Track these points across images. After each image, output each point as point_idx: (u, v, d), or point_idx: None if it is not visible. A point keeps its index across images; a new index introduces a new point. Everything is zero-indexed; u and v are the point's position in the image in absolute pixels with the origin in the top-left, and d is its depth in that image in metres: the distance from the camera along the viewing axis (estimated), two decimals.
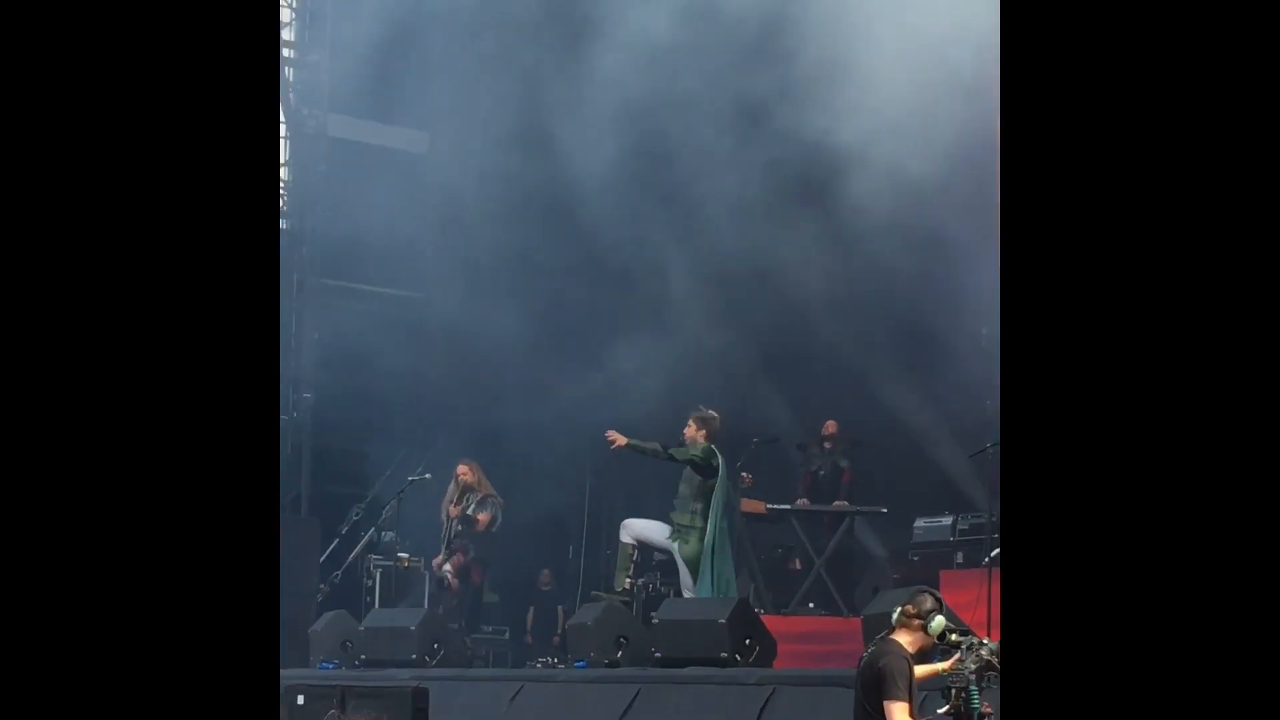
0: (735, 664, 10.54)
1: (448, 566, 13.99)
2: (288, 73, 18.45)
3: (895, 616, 7.51)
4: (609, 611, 11.90)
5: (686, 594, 12.16)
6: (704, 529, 12.10)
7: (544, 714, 11.12)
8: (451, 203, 16.74)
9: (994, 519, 11.50)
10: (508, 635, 15.49)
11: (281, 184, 18.35)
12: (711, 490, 12.14)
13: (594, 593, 13.45)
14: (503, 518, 14.05)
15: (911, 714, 7.19)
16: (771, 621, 11.59)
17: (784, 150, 13.30)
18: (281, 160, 18.46)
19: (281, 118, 18.33)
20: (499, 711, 11.31)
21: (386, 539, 15.21)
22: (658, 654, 11.11)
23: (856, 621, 10.82)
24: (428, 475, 14.74)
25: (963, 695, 7.14)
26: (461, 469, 14.06)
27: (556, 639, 14.94)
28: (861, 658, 7.62)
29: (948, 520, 13.17)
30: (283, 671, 11.91)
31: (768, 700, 9.63)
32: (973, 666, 7.12)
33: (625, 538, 12.75)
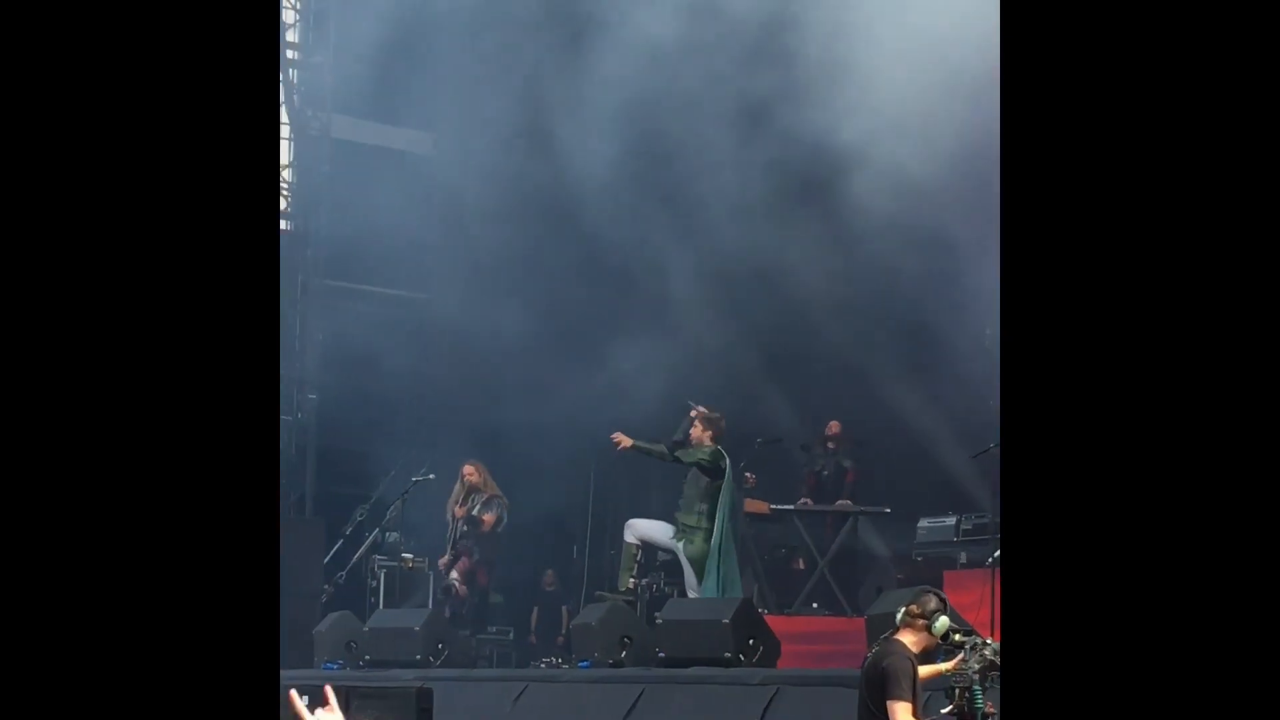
0: (739, 664, 10.54)
1: (454, 574, 13.99)
2: (292, 74, 18.46)
3: (899, 616, 7.51)
4: (613, 612, 11.91)
5: (691, 594, 12.17)
6: (709, 529, 12.10)
7: (548, 714, 11.12)
8: (455, 203, 16.75)
9: (997, 519, 11.50)
10: (512, 635, 15.49)
11: (285, 185, 18.38)
12: (718, 491, 12.15)
13: (598, 593, 13.46)
14: (508, 518, 14.06)
15: (915, 714, 7.20)
16: (775, 622, 11.60)
17: (787, 150, 13.31)
18: (285, 161, 18.48)
19: (285, 119, 18.35)
20: (503, 712, 11.32)
21: (391, 539, 15.22)
22: (662, 654, 11.12)
23: (860, 622, 10.83)
24: (432, 476, 14.75)
25: (966, 695, 7.15)
26: (467, 469, 14.07)
27: (560, 639, 14.94)
28: (865, 658, 7.63)
29: (951, 520, 13.16)
30: (287, 672, 11.94)
31: (771, 700, 9.63)
32: (976, 666, 7.13)
33: (629, 538, 12.75)
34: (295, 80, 18.49)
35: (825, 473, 14.30)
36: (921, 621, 7.40)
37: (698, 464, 12.16)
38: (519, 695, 11.43)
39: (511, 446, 15.20)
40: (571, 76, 14.78)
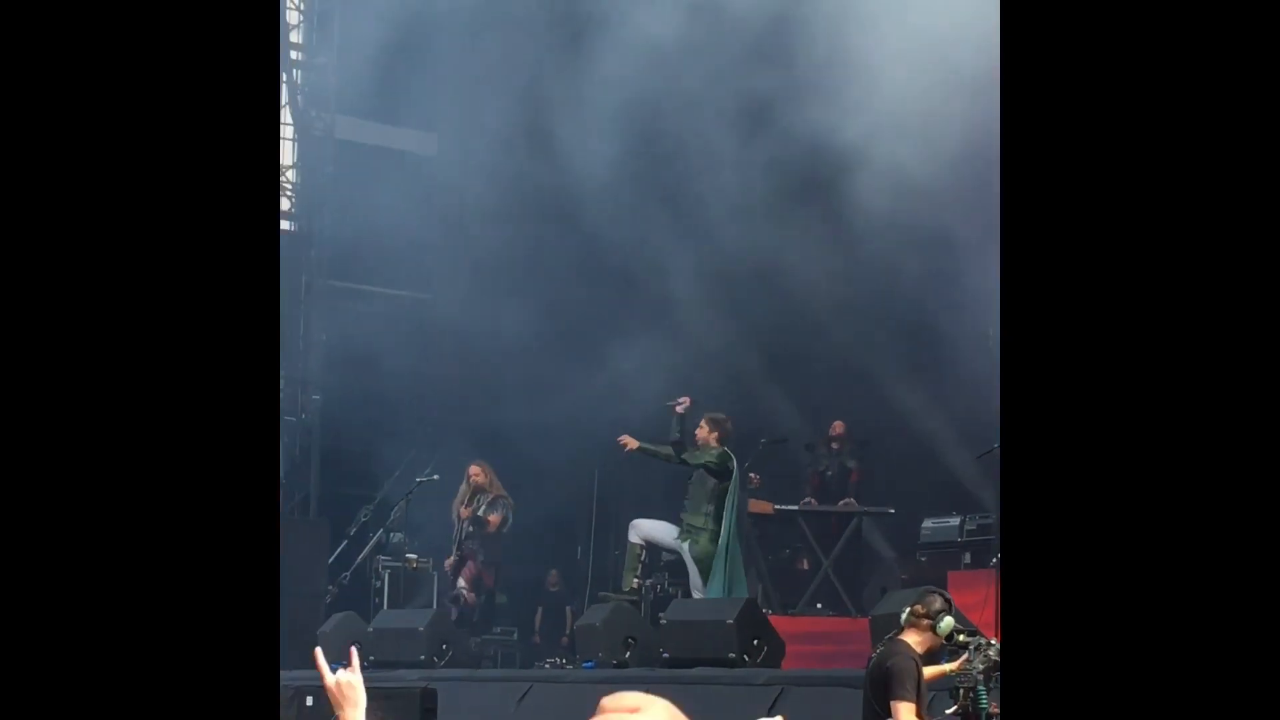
0: (743, 664, 10.54)
1: (462, 582, 13.97)
2: (296, 75, 18.48)
3: (904, 617, 7.51)
4: (617, 612, 11.91)
5: (695, 594, 12.17)
6: (715, 530, 12.10)
7: (552, 715, 11.13)
8: (458, 204, 16.76)
9: None
10: (516, 636, 15.50)
11: (289, 186, 18.40)
12: (725, 492, 12.15)
13: (602, 593, 13.47)
14: (513, 519, 14.05)
15: (920, 715, 7.20)
16: (779, 622, 11.60)
17: (788, 150, 13.31)
18: (289, 162, 18.50)
19: (289, 120, 18.37)
20: (507, 712, 11.33)
21: (395, 540, 15.22)
22: (666, 654, 11.12)
23: (864, 622, 10.82)
24: (436, 476, 14.76)
25: (970, 695, 7.15)
26: (473, 470, 14.06)
27: (564, 640, 14.95)
28: (870, 658, 7.63)
29: (955, 521, 13.16)
30: (292, 673, 11.94)
31: (776, 700, 9.63)
32: (980, 667, 7.13)
33: (633, 538, 12.75)
34: (299, 81, 18.51)
35: (829, 473, 14.30)
36: (926, 622, 7.40)
37: (705, 466, 12.16)
38: (523, 696, 11.43)
39: (515, 447, 15.20)
40: (573, 77, 14.79)
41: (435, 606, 14.16)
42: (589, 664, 11.70)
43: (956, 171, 11.69)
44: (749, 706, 9.72)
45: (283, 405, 17.91)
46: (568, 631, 14.87)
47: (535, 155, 15.67)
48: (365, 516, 16.19)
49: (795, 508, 13.82)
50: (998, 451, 10.31)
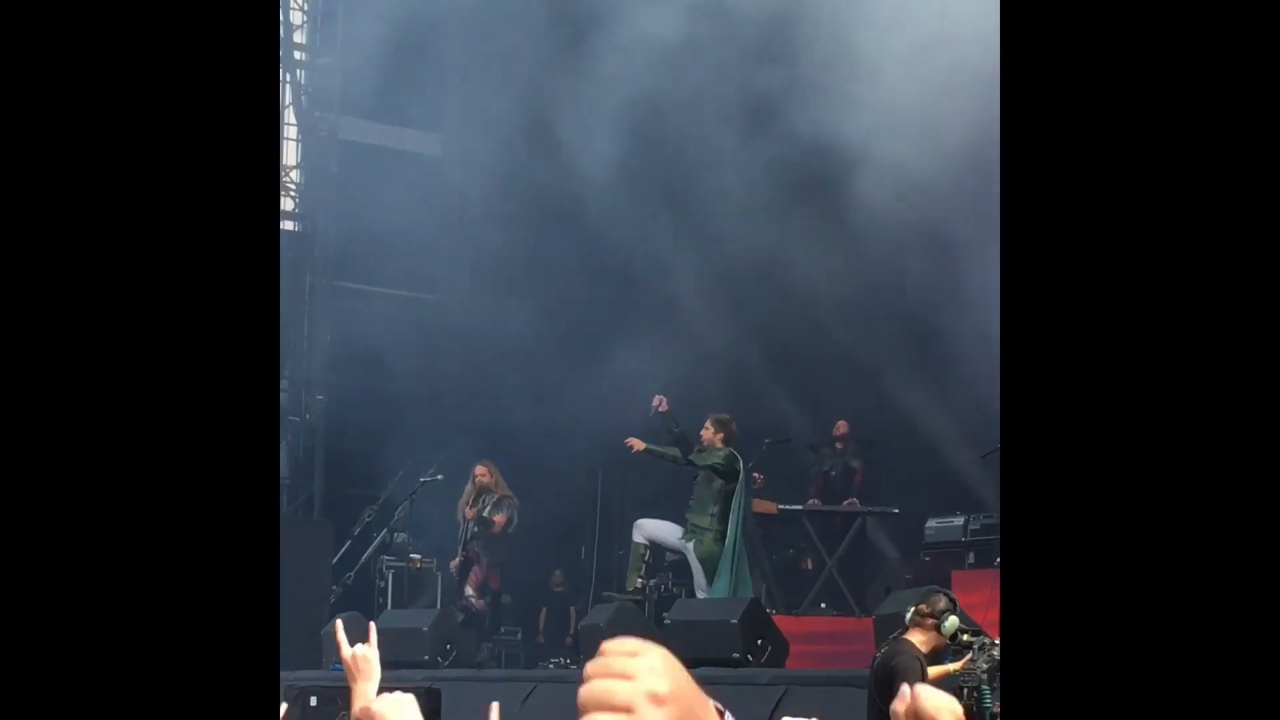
0: (747, 664, 10.54)
1: (470, 590, 13.94)
2: (300, 75, 18.50)
3: (909, 616, 7.51)
4: (621, 612, 11.91)
5: (700, 594, 12.17)
6: (720, 530, 12.11)
7: (556, 715, 11.11)
8: (463, 204, 16.76)
9: None
10: (520, 636, 15.49)
11: (293, 186, 18.42)
12: (732, 493, 12.16)
13: (606, 593, 13.46)
14: (518, 519, 14.04)
15: None
16: (783, 622, 11.60)
17: (794, 149, 13.30)
18: (293, 162, 18.52)
19: (293, 120, 18.40)
20: (511, 712, 11.33)
21: (399, 540, 15.22)
22: None
23: (868, 622, 10.82)
24: (440, 476, 14.75)
25: (974, 695, 7.15)
26: (479, 470, 14.04)
27: (569, 640, 14.95)
28: (875, 657, 7.63)
29: (959, 520, 13.16)
30: (296, 673, 11.96)
31: (780, 700, 9.63)
32: (984, 666, 7.13)
33: (638, 538, 12.75)
34: (303, 81, 18.53)
35: (833, 473, 14.30)
36: (931, 621, 7.40)
37: (713, 467, 12.16)
38: (527, 696, 11.43)
39: (519, 447, 15.21)
40: (576, 77, 14.79)
41: (439, 607, 14.15)
42: None
43: (960, 170, 11.69)
44: (753, 706, 9.72)
45: (287, 405, 17.94)
46: (572, 632, 14.87)
47: (539, 155, 15.68)
48: (369, 517, 16.19)
49: (799, 508, 13.81)
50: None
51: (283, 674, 10.43)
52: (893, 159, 12.13)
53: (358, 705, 3.95)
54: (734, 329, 15.15)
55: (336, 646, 4.18)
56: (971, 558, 12.71)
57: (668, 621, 11.40)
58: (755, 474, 13.24)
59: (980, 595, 10.45)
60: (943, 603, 7.47)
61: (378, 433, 17.01)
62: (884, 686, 7.30)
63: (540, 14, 16.39)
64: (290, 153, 18.68)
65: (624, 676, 1.75)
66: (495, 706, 3.88)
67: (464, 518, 14.04)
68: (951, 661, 7.50)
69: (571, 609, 16.11)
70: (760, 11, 13.20)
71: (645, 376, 14.06)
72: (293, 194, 18.64)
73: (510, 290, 16.33)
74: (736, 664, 10.53)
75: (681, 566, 12.52)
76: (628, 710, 1.73)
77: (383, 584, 14.87)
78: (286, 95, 18.45)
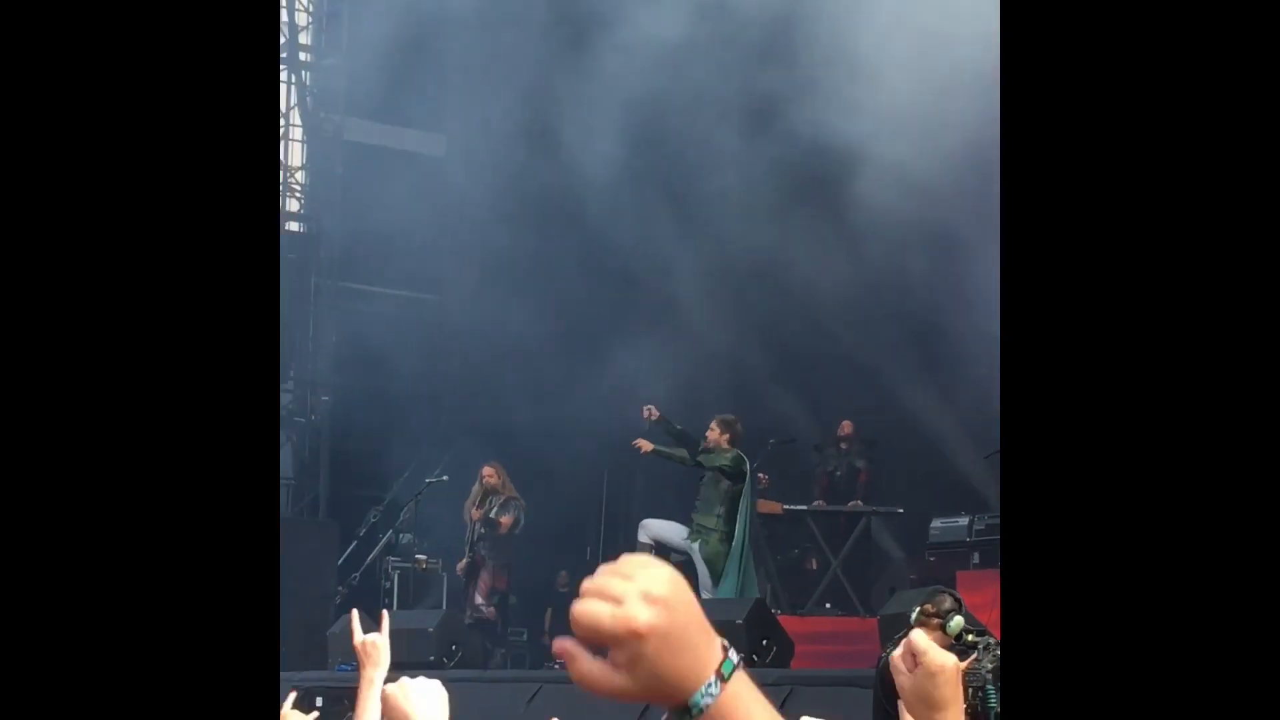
0: (752, 664, 10.54)
1: (479, 599, 13.92)
2: (305, 77, 18.52)
3: (914, 616, 7.51)
4: None
5: (705, 595, 12.18)
6: (727, 531, 12.12)
7: (562, 715, 11.12)
8: (467, 205, 16.78)
9: None
10: (525, 636, 15.51)
11: (298, 187, 18.44)
12: (739, 494, 12.16)
13: None
14: (525, 520, 14.05)
15: None
16: (788, 622, 11.60)
17: (796, 149, 13.32)
18: (299, 163, 18.54)
19: (298, 121, 18.42)
20: (517, 713, 11.33)
21: (404, 541, 15.24)
22: None
23: (873, 622, 10.83)
24: (445, 477, 14.77)
25: (979, 695, 7.15)
26: (487, 471, 14.03)
27: None
28: (880, 657, 7.63)
29: (964, 520, 13.16)
30: (302, 674, 11.97)
31: (785, 700, 9.64)
32: (989, 666, 7.13)
33: (643, 538, 12.76)
34: (308, 82, 18.55)
35: (838, 473, 14.30)
36: (936, 621, 7.39)
37: (721, 469, 12.17)
38: (533, 696, 11.44)
39: (524, 447, 15.22)
40: (580, 77, 14.81)
41: (445, 608, 14.16)
42: None
43: (966, 169, 11.69)
44: None
45: (292, 407, 17.97)
46: None
47: (542, 155, 15.70)
48: (374, 517, 16.22)
49: (804, 508, 13.82)
50: None
51: (289, 674, 10.43)
52: (894, 159, 12.14)
53: (366, 691, 4.02)
54: (736, 329, 15.16)
55: (350, 634, 4.41)
56: (976, 558, 12.71)
57: None
58: (760, 474, 13.24)
59: (985, 595, 10.46)
60: (948, 603, 7.46)
61: (383, 433, 17.03)
62: (889, 686, 7.30)
63: (542, 15, 16.40)
64: (295, 154, 18.71)
65: (625, 578, 1.78)
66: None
67: (471, 519, 14.03)
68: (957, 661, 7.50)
69: None
70: (762, 12, 13.21)
71: (647, 376, 14.07)
72: (298, 195, 18.67)
73: (513, 290, 16.35)
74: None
75: (687, 567, 12.52)
76: (617, 601, 1.74)
77: (388, 585, 14.89)
78: (292, 97, 18.48)
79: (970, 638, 7.33)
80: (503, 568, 14.04)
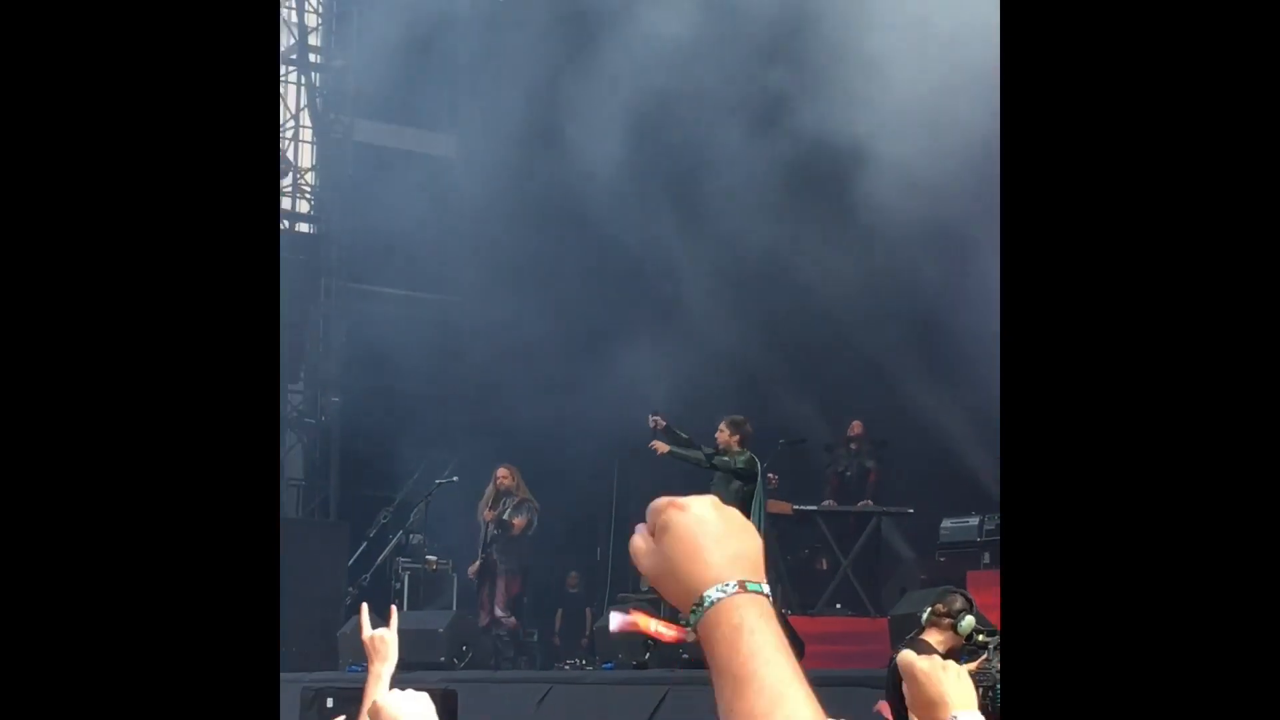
0: None
1: (499, 611, 13.88)
2: (314, 78, 18.54)
3: (925, 616, 7.51)
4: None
5: None
6: None
7: (572, 716, 11.14)
8: (477, 205, 16.79)
9: None
10: (535, 637, 15.50)
11: (308, 188, 18.46)
12: (751, 495, 12.15)
13: (621, 595, 13.46)
14: (538, 522, 14.03)
15: None
16: (798, 622, 11.59)
17: (804, 148, 13.31)
18: (308, 165, 18.56)
19: (308, 123, 18.44)
20: (527, 713, 11.34)
21: (415, 542, 15.23)
22: (686, 656, 11.12)
23: (883, 622, 10.82)
24: (455, 478, 14.76)
25: (990, 695, 7.14)
26: (501, 473, 13.98)
27: (584, 641, 14.95)
28: (890, 658, 7.63)
29: (974, 521, 13.15)
30: (312, 674, 11.98)
31: None
32: (999, 666, 7.12)
33: None
34: (318, 84, 18.57)
35: (848, 473, 14.29)
36: (947, 621, 7.39)
37: (735, 471, 12.16)
38: (543, 697, 11.44)
39: (534, 447, 15.21)
40: (587, 77, 14.81)
41: (455, 608, 14.16)
42: (608, 665, 11.70)
43: (974, 168, 11.68)
44: None
45: (302, 408, 17.99)
46: (587, 633, 14.87)
47: (550, 155, 15.70)
48: (385, 518, 16.21)
49: (814, 508, 13.81)
50: None
51: (300, 675, 10.43)
52: (899, 157, 12.13)
53: (372, 686, 4.08)
54: (742, 327, 15.15)
55: (360, 628, 4.49)
56: (987, 558, 12.69)
57: (683, 622, 11.39)
58: (770, 474, 13.23)
59: (996, 595, 10.41)
60: (959, 603, 7.46)
61: (393, 434, 17.03)
62: (899, 687, 7.29)
63: (549, 14, 16.41)
64: (305, 155, 18.73)
65: (677, 508, 1.93)
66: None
67: (484, 520, 14.01)
68: (967, 662, 7.49)
69: (587, 610, 16.10)
70: (767, 11, 13.21)
71: (655, 375, 14.06)
72: (307, 196, 18.69)
73: (521, 290, 16.35)
74: None
75: None
76: (673, 507, 1.89)
77: (398, 585, 14.88)
78: (302, 98, 18.50)
79: (981, 638, 7.32)
80: (517, 571, 13.98)
